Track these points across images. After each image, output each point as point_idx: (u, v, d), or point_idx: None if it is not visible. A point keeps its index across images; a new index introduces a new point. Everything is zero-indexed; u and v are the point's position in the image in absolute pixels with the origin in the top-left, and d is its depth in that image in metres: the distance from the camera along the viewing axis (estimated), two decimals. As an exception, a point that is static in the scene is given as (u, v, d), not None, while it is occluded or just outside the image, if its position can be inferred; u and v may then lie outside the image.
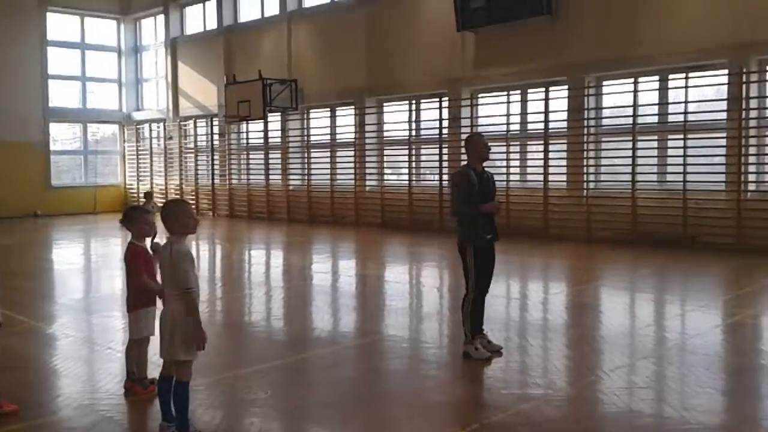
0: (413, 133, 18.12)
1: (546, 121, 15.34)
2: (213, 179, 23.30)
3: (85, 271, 12.84)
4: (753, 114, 12.85)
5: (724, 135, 13.05)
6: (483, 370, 5.90)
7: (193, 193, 23.80)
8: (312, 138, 20.76)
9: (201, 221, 20.39)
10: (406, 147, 18.11)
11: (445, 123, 16.98)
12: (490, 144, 6.51)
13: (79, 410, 5.02)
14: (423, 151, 18.20)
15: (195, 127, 24.32)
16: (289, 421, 4.97)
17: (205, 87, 23.15)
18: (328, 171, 19.97)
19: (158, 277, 4.92)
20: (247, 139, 22.57)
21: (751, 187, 12.97)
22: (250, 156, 22.46)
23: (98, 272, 12.71)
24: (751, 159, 12.95)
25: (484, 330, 6.38)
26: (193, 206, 21.56)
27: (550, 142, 15.35)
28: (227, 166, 22.96)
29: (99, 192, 25.46)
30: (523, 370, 6.00)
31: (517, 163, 16.27)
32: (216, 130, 23.19)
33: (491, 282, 6.39)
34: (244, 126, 22.29)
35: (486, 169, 6.40)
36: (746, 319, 7.74)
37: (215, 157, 23.31)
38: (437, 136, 17.21)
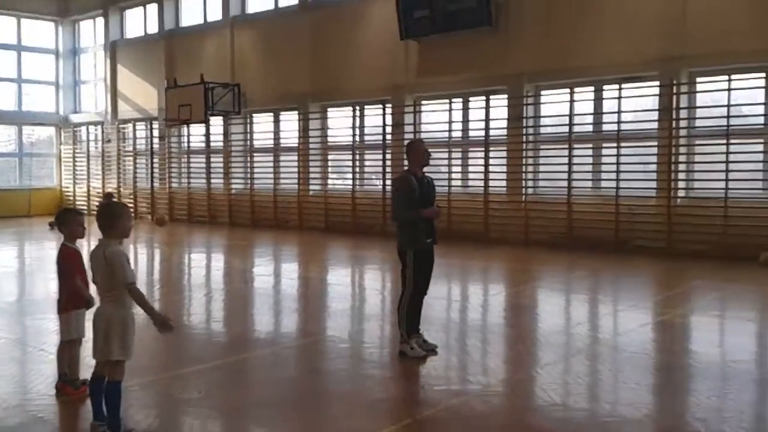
0: (357, 138, 18.21)
1: (486, 129, 15.63)
2: (152, 183, 22.93)
3: (18, 274, 12.50)
4: (683, 123, 13.37)
5: (656, 144, 13.52)
6: (419, 368, 6.00)
7: (132, 197, 23.38)
8: (255, 142, 20.64)
9: (139, 225, 20.07)
10: (350, 152, 18.19)
11: (389, 129, 17.13)
12: (431, 150, 6.65)
13: (9, 411, 4.93)
14: (367, 157, 18.29)
15: (134, 130, 23.89)
16: (225, 420, 4.98)
17: (145, 90, 22.77)
18: (272, 175, 19.89)
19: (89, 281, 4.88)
20: (188, 142, 22.28)
21: (681, 193, 13.46)
22: (191, 160, 22.18)
23: (32, 275, 12.38)
24: (681, 167, 13.45)
25: (420, 330, 6.49)
26: (132, 210, 21.16)
27: (491, 149, 15.64)
28: (167, 169, 22.63)
29: (34, 195, 24.78)
30: (457, 368, 6.14)
31: (459, 169, 16.53)
32: (156, 133, 22.83)
33: (430, 284, 6.52)
34: (185, 129, 22.01)
35: (426, 174, 6.52)
36: (675, 318, 8.05)
37: (155, 160, 22.94)
38: (381, 141, 17.34)
